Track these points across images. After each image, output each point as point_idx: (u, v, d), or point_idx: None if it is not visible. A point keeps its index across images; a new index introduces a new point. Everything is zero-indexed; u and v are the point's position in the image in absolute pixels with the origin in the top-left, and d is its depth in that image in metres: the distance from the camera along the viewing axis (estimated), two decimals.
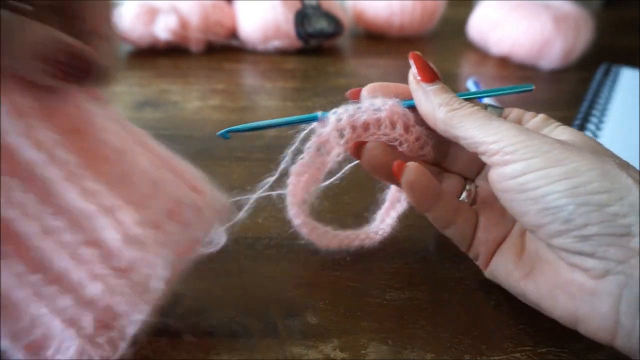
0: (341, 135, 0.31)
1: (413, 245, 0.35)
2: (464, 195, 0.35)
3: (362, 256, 0.32)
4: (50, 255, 0.21)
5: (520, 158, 0.27)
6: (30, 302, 0.21)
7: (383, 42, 0.84)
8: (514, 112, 0.33)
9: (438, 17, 0.85)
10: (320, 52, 0.77)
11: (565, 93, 0.68)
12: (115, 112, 0.25)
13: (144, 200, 0.23)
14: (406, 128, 0.32)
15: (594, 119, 0.56)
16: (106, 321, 0.21)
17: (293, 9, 0.73)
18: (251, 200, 0.33)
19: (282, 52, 0.75)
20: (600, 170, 0.25)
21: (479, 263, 0.33)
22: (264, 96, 0.63)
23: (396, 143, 0.32)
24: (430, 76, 0.31)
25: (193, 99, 0.61)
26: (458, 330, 0.30)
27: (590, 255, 0.26)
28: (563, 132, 0.30)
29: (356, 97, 0.34)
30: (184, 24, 0.72)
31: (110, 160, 0.22)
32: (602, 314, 0.26)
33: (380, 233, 0.35)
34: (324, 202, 0.37)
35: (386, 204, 0.36)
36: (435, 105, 0.30)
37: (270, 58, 0.74)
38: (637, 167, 0.27)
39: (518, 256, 0.31)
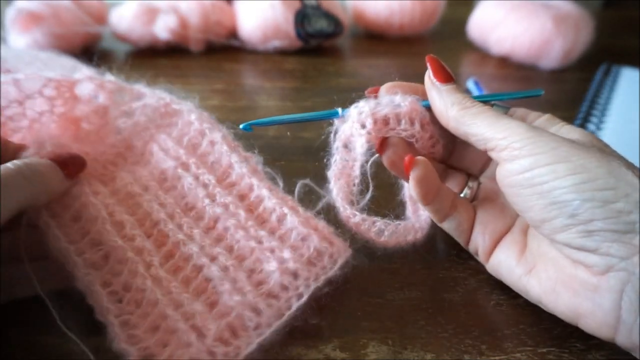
0: (363, 127, 0.32)
1: (413, 245, 0.35)
2: (466, 191, 0.36)
3: (362, 256, 0.32)
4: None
5: (528, 153, 0.27)
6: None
7: (383, 42, 0.84)
8: (519, 112, 0.33)
9: (438, 17, 0.85)
10: (320, 52, 0.77)
11: (565, 93, 0.68)
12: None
13: (298, 247, 0.32)
14: (422, 125, 0.33)
15: (594, 119, 0.56)
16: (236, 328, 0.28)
17: (293, 9, 0.73)
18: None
19: (282, 52, 0.75)
20: (606, 167, 0.26)
21: (480, 257, 0.33)
22: (263, 96, 0.63)
23: (413, 140, 0.33)
24: (445, 77, 0.32)
25: (193, 99, 0.61)
26: (458, 330, 0.30)
27: (594, 251, 0.26)
28: (569, 132, 0.30)
29: (374, 94, 0.34)
30: (183, 24, 0.72)
31: (271, 220, 0.33)
32: (604, 310, 0.26)
33: (418, 226, 0.35)
34: None
35: (409, 202, 0.37)
36: (448, 103, 0.31)
37: (270, 58, 0.74)
38: (638, 167, 0.27)
39: (520, 253, 0.31)
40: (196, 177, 0.35)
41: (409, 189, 0.32)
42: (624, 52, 0.81)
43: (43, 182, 0.30)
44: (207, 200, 0.34)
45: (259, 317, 0.28)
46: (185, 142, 0.37)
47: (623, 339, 0.26)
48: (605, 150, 0.28)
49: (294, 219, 0.33)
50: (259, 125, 0.33)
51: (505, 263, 0.32)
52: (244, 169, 0.35)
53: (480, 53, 0.79)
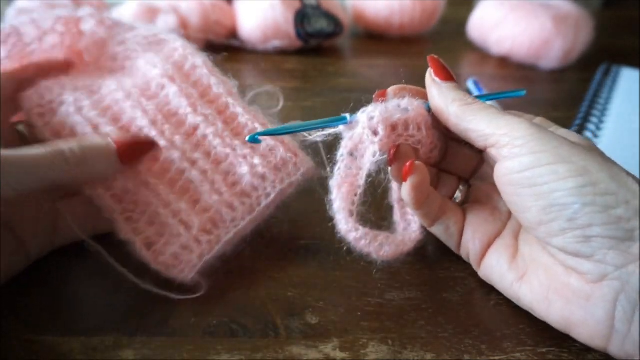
0: (375, 134, 0.31)
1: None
2: (457, 194, 0.35)
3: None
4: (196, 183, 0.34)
5: (529, 151, 0.27)
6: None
7: (383, 42, 0.84)
8: (512, 113, 0.32)
9: (438, 17, 0.85)
10: (320, 52, 0.77)
11: (565, 93, 0.68)
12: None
13: (266, 155, 0.35)
14: (427, 130, 0.32)
15: (594, 119, 0.56)
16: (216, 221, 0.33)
17: (293, 9, 0.73)
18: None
19: (282, 52, 0.75)
20: (608, 172, 0.25)
21: (471, 262, 0.33)
22: (264, 96, 0.63)
23: (419, 146, 0.32)
24: (445, 75, 0.32)
25: None
26: (458, 330, 0.30)
27: (589, 257, 0.26)
28: (565, 134, 0.30)
29: (382, 98, 0.34)
30: (184, 24, 0.72)
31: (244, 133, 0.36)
32: (597, 319, 0.26)
33: (415, 236, 0.34)
34: None
35: (396, 206, 0.36)
36: (448, 99, 0.31)
37: (270, 58, 0.74)
38: (638, 167, 0.27)
39: (512, 258, 0.31)
40: (180, 89, 0.37)
41: (402, 193, 0.32)
42: (624, 52, 0.81)
43: (87, 167, 0.31)
44: (189, 109, 0.36)
45: (234, 212, 0.34)
46: (171, 62, 0.39)
47: (616, 349, 0.26)
48: (603, 155, 0.28)
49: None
50: (266, 135, 0.34)
51: (496, 268, 0.32)
52: (221, 89, 0.38)
53: (480, 53, 0.79)
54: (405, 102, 0.32)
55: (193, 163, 0.35)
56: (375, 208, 0.35)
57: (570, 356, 0.29)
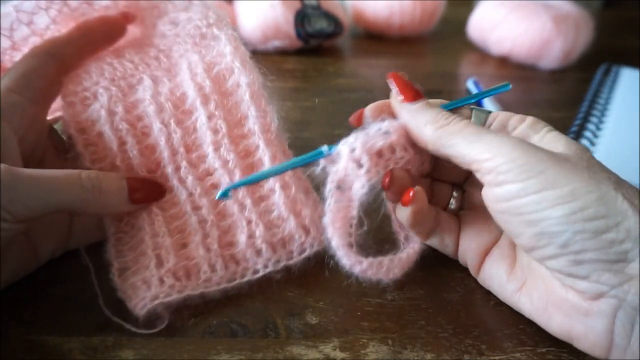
0: (359, 166, 0.29)
1: None
2: (452, 201, 0.35)
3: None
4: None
5: (515, 179, 0.26)
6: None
7: (383, 42, 0.84)
8: (501, 116, 0.31)
9: (438, 17, 0.85)
10: (320, 52, 0.77)
11: (565, 93, 0.68)
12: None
13: (274, 225, 0.34)
14: (414, 148, 0.31)
15: (594, 119, 0.56)
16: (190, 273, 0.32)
17: (293, 9, 0.73)
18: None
19: (282, 52, 0.75)
20: (596, 193, 0.24)
21: (470, 270, 0.33)
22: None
23: (409, 166, 0.31)
24: (412, 94, 0.30)
25: None
26: (458, 330, 0.30)
27: (584, 278, 0.25)
28: (554, 140, 0.28)
29: (359, 122, 0.32)
30: None
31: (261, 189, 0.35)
32: (597, 333, 0.26)
33: (418, 247, 0.34)
34: None
35: (393, 216, 0.35)
36: (421, 124, 0.29)
37: (270, 58, 0.74)
38: (638, 167, 0.27)
39: (510, 268, 0.31)
40: (210, 117, 0.35)
41: (400, 216, 0.31)
42: (624, 52, 0.81)
43: (98, 198, 0.30)
44: (211, 148, 0.35)
45: (213, 274, 0.31)
46: (215, 72, 0.36)
47: (616, 358, 0.26)
48: (592, 167, 0.26)
49: (280, 198, 0.34)
50: (239, 187, 0.32)
51: (496, 279, 0.31)
52: (257, 126, 0.35)
53: (480, 53, 0.79)
54: (386, 125, 0.30)
55: (197, 209, 0.34)
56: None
57: (570, 356, 0.29)
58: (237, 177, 0.34)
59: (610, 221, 0.24)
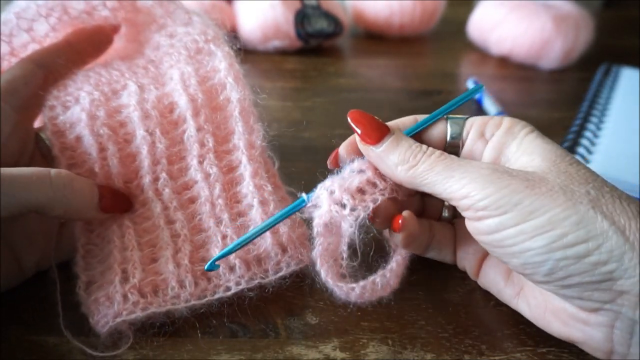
0: (343, 207, 0.29)
1: None
2: (444, 211, 0.34)
3: (362, 256, 0.32)
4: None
5: (492, 214, 0.26)
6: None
7: (383, 42, 0.84)
8: (477, 124, 0.30)
9: (438, 17, 0.85)
10: (320, 52, 0.77)
11: (565, 93, 0.68)
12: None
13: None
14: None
15: (594, 119, 0.56)
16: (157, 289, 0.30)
17: (293, 9, 0.73)
18: None
19: (282, 52, 0.75)
20: (574, 217, 0.24)
21: (469, 274, 0.34)
22: (263, 96, 0.63)
23: (394, 194, 0.30)
24: (376, 135, 0.29)
25: None
26: (458, 330, 0.30)
27: (577, 298, 0.26)
28: (531, 146, 0.28)
29: (336, 164, 0.32)
30: None
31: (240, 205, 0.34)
32: (597, 340, 0.26)
33: (405, 252, 0.33)
34: None
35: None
36: (392, 166, 0.28)
37: (270, 58, 0.74)
38: (638, 167, 0.27)
39: (507, 274, 0.31)
40: (199, 130, 0.34)
41: (392, 240, 0.31)
42: (624, 52, 0.81)
43: (68, 197, 0.29)
44: (195, 161, 0.34)
45: (181, 290, 0.30)
46: (208, 85, 0.36)
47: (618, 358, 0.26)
48: (569, 184, 0.25)
49: (257, 214, 0.33)
50: (226, 255, 0.30)
51: (494, 284, 0.32)
52: (242, 142, 0.35)
53: (480, 53, 0.79)
54: (357, 164, 0.30)
55: (170, 222, 0.33)
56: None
57: (571, 356, 0.29)
58: (216, 193, 0.34)
59: (591, 244, 0.24)
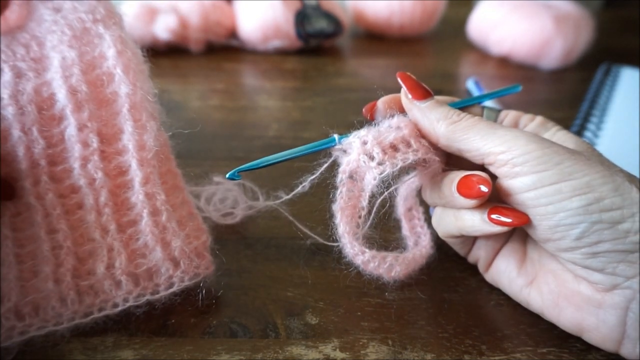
0: (371, 158, 0.29)
1: None
2: None
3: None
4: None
5: (530, 170, 0.26)
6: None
7: (383, 42, 0.84)
8: (511, 115, 0.32)
9: (438, 17, 0.85)
10: (320, 52, 0.77)
11: (566, 93, 0.68)
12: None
13: (139, 254, 0.30)
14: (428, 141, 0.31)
15: (594, 119, 0.56)
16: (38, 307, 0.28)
17: (293, 9, 0.73)
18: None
19: (282, 52, 0.75)
20: (612, 184, 0.25)
21: (480, 267, 0.33)
22: (263, 96, 0.63)
23: (426, 156, 0.30)
24: (422, 93, 0.30)
25: (193, 99, 0.61)
26: (458, 330, 0.30)
27: (599, 270, 0.26)
28: (563, 138, 0.29)
29: (371, 115, 0.32)
30: (183, 24, 0.72)
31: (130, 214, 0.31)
32: (609, 325, 0.26)
33: (426, 251, 0.34)
34: None
35: (404, 220, 0.35)
36: (433, 120, 0.29)
37: (270, 58, 0.74)
38: (638, 166, 0.27)
39: (520, 263, 0.31)
40: (81, 129, 0.31)
41: (456, 202, 0.30)
42: (624, 52, 0.81)
43: None
44: (77, 163, 0.30)
45: (63, 307, 0.28)
46: (94, 75, 0.31)
47: (628, 352, 0.26)
48: (604, 162, 0.27)
49: (147, 225, 0.30)
50: (247, 170, 0.30)
51: (505, 274, 0.31)
52: (132, 143, 0.31)
53: (480, 53, 0.79)
54: (396, 120, 0.30)
55: (52, 232, 0.29)
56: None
57: (571, 356, 0.29)
58: (102, 201, 0.30)
59: (625, 211, 0.24)
